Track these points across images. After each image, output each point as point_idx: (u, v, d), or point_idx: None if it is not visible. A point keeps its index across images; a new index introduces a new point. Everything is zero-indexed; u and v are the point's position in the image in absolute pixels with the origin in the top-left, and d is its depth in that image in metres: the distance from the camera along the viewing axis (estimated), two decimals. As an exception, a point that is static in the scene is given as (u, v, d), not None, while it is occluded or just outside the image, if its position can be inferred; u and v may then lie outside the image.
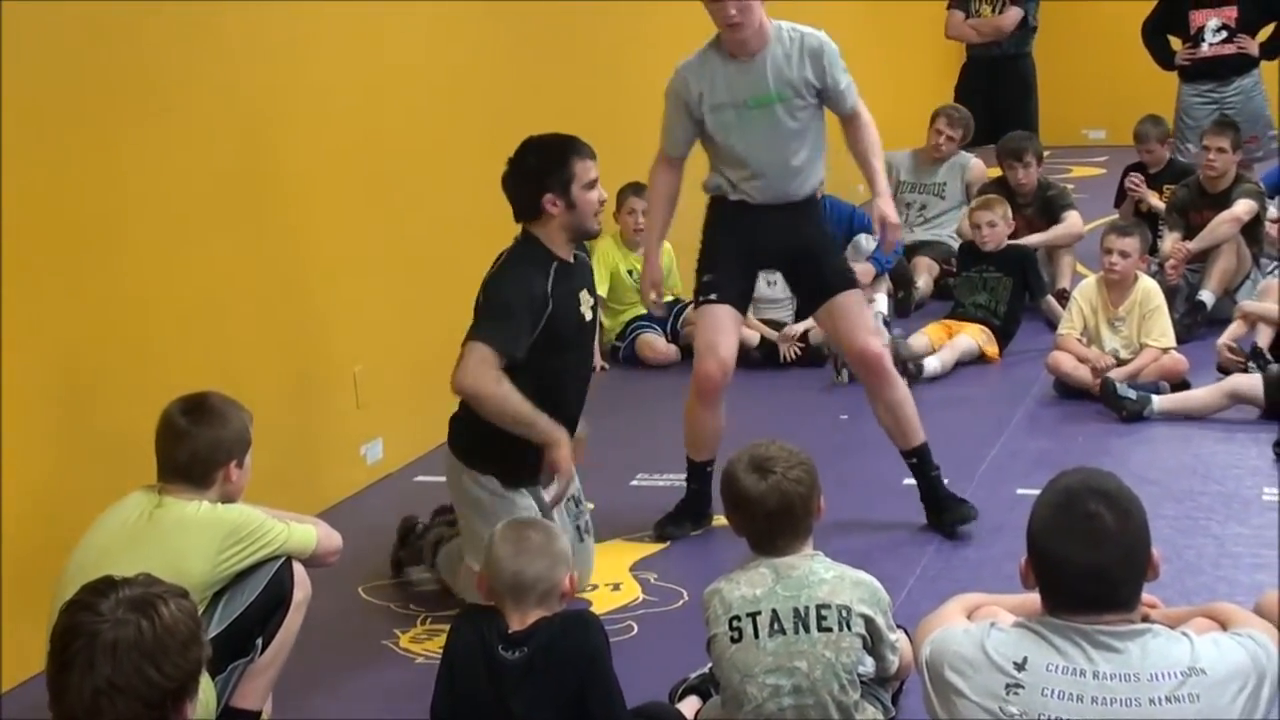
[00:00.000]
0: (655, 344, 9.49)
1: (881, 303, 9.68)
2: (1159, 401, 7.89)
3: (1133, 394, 7.91)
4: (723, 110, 6.44)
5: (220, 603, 4.64)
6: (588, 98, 9.08)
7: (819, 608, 4.41)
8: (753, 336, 9.29)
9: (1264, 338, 8.40)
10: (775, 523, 4.47)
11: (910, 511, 6.82)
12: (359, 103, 7.39)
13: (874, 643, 4.50)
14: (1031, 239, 10.00)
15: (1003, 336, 9.33)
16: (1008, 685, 3.43)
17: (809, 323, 9.33)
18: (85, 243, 5.79)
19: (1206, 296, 9.49)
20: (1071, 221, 10.30)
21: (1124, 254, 8.40)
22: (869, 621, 4.46)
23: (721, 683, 4.55)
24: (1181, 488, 6.96)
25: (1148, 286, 8.48)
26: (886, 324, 9.45)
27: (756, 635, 4.40)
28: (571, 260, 5.96)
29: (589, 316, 6.05)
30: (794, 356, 9.29)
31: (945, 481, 6.66)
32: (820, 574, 4.47)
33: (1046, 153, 11.22)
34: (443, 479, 7.45)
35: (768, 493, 4.44)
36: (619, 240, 9.73)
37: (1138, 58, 11.94)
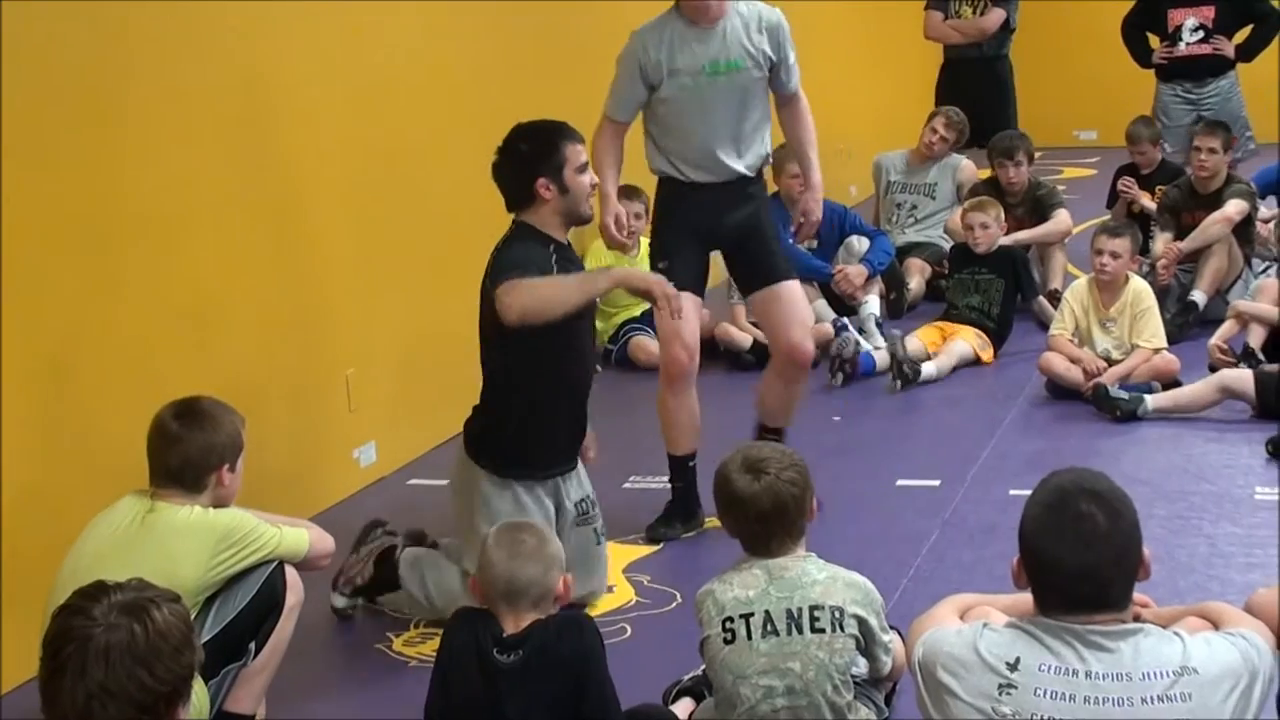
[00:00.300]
0: (647, 346, 9.48)
1: (874, 304, 9.68)
2: (1152, 400, 7.90)
3: (1125, 395, 7.92)
4: (680, 76, 6.50)
5: (213, 607, 4.64)
6: (585, 98, 9.07)
7: (812, 609, 4.41)
8: (745, 339, 9.30)
9: (1255, 338, 8.41)
10: (768, 524, 4.47)
11: (903, 512, 6.83)
12: (353, 108, 7.39)
13: (867, 644, 4.51)
14: (1018, 236, 10.00)
15: (996, 338, 9.34)
16: (1000, 685, 3.44)
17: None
18: (79, 246, 5.79)
19: (1198, 297, 9.50)
20: (1059, 219, 10.30)
21: (1115, 255, 8.40)
22: (862, 622, 4.46)
23: (715, 684, 4.55)
24: (1173, 487, 6.97)
25: (1139, 287, 8.49)
26: (879, 325, 9.46)
27: (750, 636, 4.41)
28: (567, 244, 5.95)
29: (591, 329, 6.08)
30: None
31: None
32: (813, 575, 4.47)
33: (1038, 154, 11.22)
34: (436, 481, 7.49)
35: (761, 494, 4.45)
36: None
37: (1128, 58, 11.96)
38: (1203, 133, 10.08)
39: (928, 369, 8.86)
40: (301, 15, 7.02)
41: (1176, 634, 3.51)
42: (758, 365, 9.16)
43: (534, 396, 5.82)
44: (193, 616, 3.28)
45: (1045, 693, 3.40)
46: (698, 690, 4.85)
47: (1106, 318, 8.47)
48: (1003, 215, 9.63)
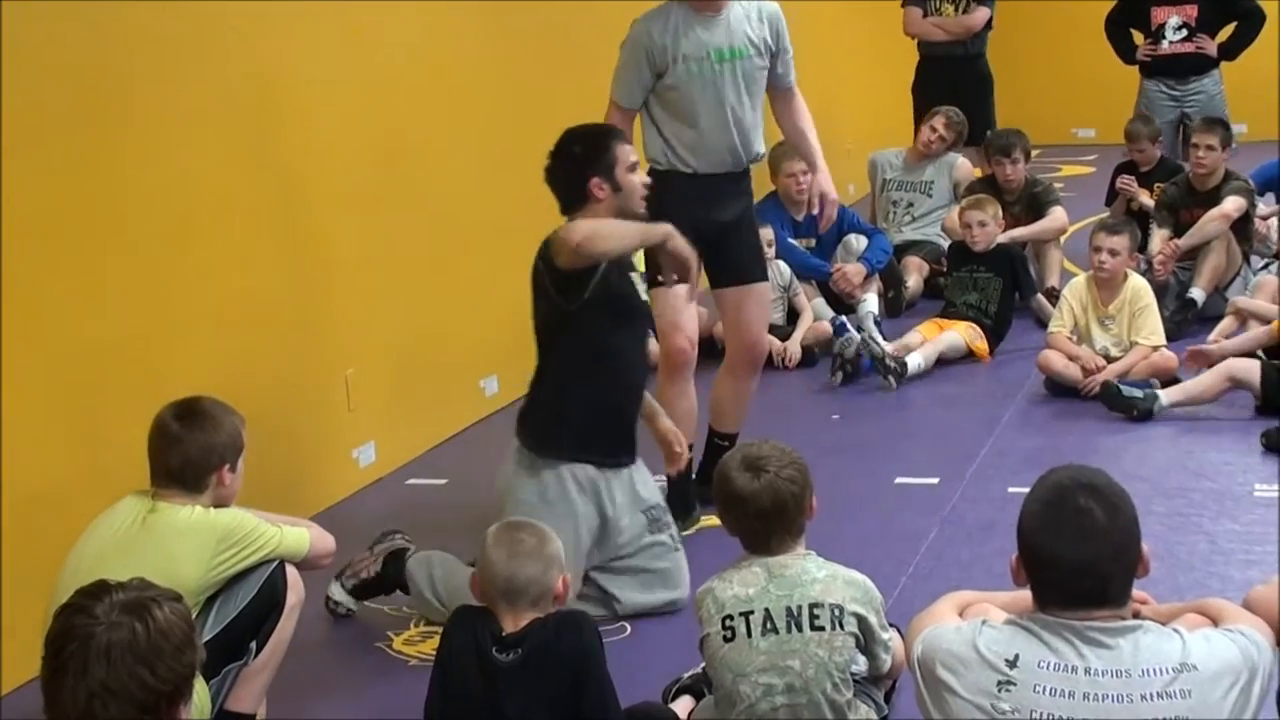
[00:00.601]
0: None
1: (872, 302, 9.68)
2: (1165, 396, 7.87)
3: (1139, 392, 7.89)
4: (687, 62, 6.54)
5: (214, 606, 4.65)
6: (589, 98, 9.07)
7: (812, 607, 4.42)
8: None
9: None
10: (768, 522, 4.48)
11: (902, 511, 6.84)
12: (354, 110, 7.39)
13: (867, 641, 4.51)
14: (1015, 233, 10.00)
15: (994, 336, 9.34)
16: (999, 682, 3.45)
17: (802, 332, 9.35)
18: (80, 247, 5.79)
19: (1197, 294, 9.50)
20: (1055, 216, 10.32)
21: (1113, 252, 8.40)
22: (862, 620, 4.47)
23: (715, 682, 4.56)
24: (1172, 484, 6.97)
25: (1137, 285, 8.50)
26: (877, 323, 9.46)
27: (749, 634, 4.41)
28: None
29: (643, 296, 6.06)
30: (791, 364, 9.27)
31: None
32: (813, 573, 4.48)
33: (1036, 151, 11.23)
34: (435, 481, 7.51)
35: (760, 492, 4.45)
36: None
37: (1128, 56, 11.97)
38: (1200, 130, 10.09)
39: (914, 360, 8.86)
40: (303, 15, 7.02)
41: (1176, 631, 3.51)
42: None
43: (589, 387, 5.83)
44: (194, 616, 3.27)
45: (1044, 689, 3.40)
46: (697, 688, 4.86)
47: (1105, 315, 8.47)
48: (1000, 213, 9.64)
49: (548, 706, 4.24)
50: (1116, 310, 8.45)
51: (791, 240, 9.88)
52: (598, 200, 5.87)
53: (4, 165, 5.42)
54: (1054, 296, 9.32)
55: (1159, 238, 9.94)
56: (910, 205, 11.12)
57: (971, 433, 7.87)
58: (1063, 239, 10.61)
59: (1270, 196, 10.95)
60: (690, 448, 6.66)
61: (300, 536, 4.86)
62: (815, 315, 9.56)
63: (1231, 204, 9.67)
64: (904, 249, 10.75)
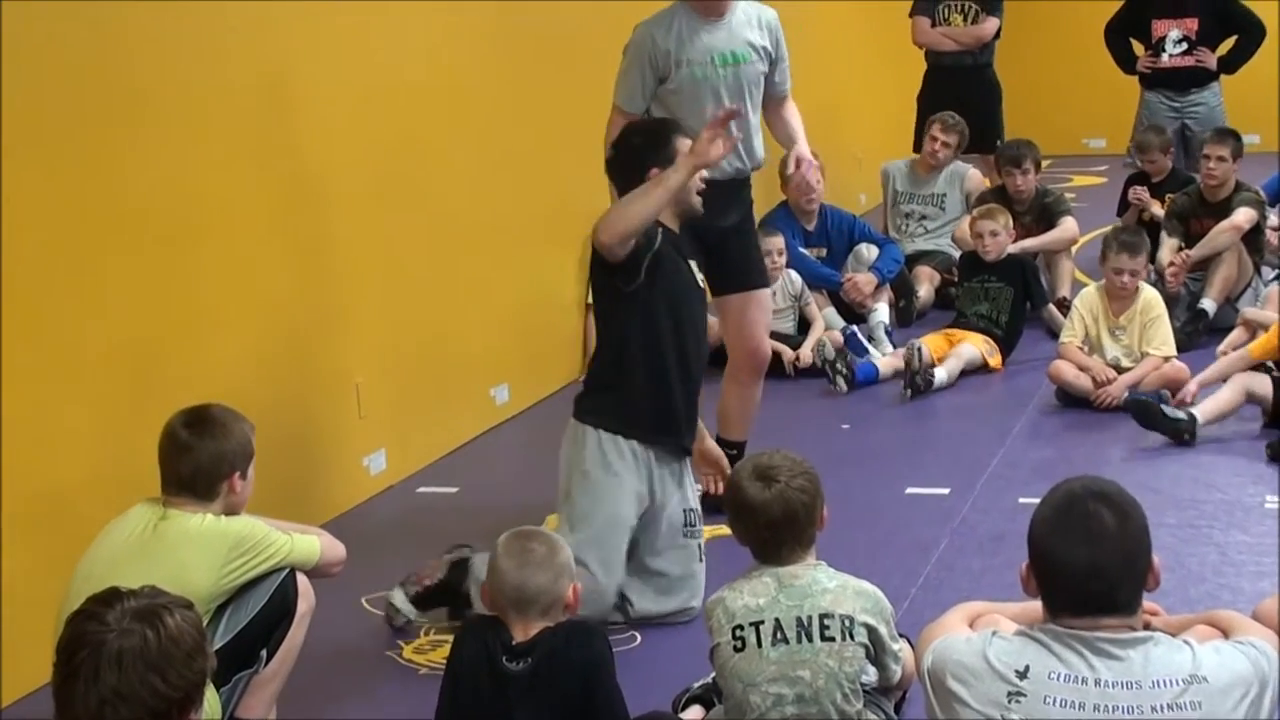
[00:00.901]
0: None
1: (883, 312, 9.69)
2: (1201, 416, 7.77)
3: (1182, 415, 7.74)
4: (690, 66, 6.59)
5: (225, 614, 4.64)
6: (597, 101, 9.08)
7: (822, 617, 4.42)
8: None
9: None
10: (778, 532, 4.48)
11: (913, 521, 6.83)
12: (363, 117, 7.40)
13: (877, 652, 4.51)
14: (1025, 244, 10.01)
15: (1005, 346, 9.33)
16: (1010, 693, 3.44)
17: (811, 341, 9.34)
18: (87, 254, 5.79)
19: (1208, 305, 9.50)
20: (1066, 226, 10.33)
21: (1134, 273, 8.42)
22: (872, 631, 4.47)
23: (725, 692, 4.56)
24: (1183, 496, 6.97)
25: (1149, 296, 8.49)
26: (888, 333, 9.46)
27: (759, 644, 4.41)
28: (677, 232, 6.01)
29: (699, 284, 6.07)
30: (798, 371, 9.26)
31: None
32: (823, 583, 4.48)
33: (1047, 162, 11.23)
34: (445, 489, 7.52)
35: (771, 501, 4.46)
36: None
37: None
38: (1212, 141, 10.09)
39: (939, 374, 8.86)
40: (310, 18, 7.02)
41: (1186, 642, 3.51)
42: (767, 373, 9.17)
43: (643, 366, 5.85)
44: (204, 624, 3.27)
45: (1055, 700, 3.40)
46: (707, 698, 4.86)
47: (1116, 325, 8.47)
48: (1011, 223, 9.63)
49: (558, 715, 4.24)
50: (1128, 321, 8.44)
51: (803, 250, 9.88)
52: None
53: (8, 166, 5.40)
54: (1065, 307, 9.32)
55: (1169, 248, 9.94)
56: (924, 218, 11.13)
57: (983, 443, 7.87)
58: (1074, 249, 10.62)
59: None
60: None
61: (311, 544, 4.86)
62: (826, 325, 9.56)
63: (1243, 215, 9.67)
64: (915, 259, 10.76)
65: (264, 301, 6.78)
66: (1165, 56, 11.47)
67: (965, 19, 11.58)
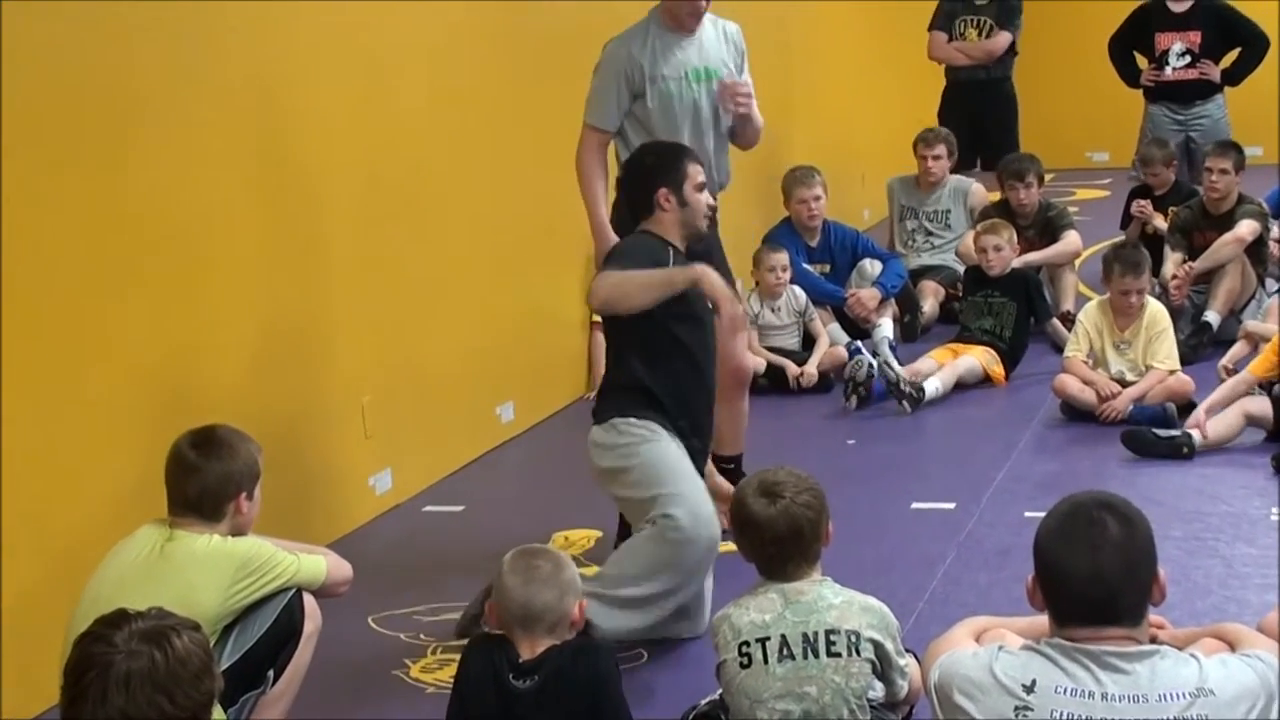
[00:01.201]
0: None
1: (887, 327, 9.68)
2: (1199, 439, 7.75)
3: (1176, 431, 7.76)
4: (666, 82, 6.62)
5: (232, 635, 4.65)
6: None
7: (828, 633, 4.42)
8: (759, 364, 9.29)
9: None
10: (784, 547, 4.49)
11: (918, 536, 6.83)
12: (368, 136, 7.41)
13: (883, 668, 4.51)
14: (1029, 257, 10.03)
15: (1009, 360, 9.33)
16: (1016, 708, 3.45)
17: (818, 357, 9.35)
18: (92, 272, 5.79)
19: (1212, 317, 9.50)
20: (1069, 240, 10.34)
21: (1140, 291, 8.42)
22: (878, 646, 4.47)
23: (731, 708, 4.56)
24: (1189, 508, 6.96)
25: (1154, 310, 8.49)
26: (893, 348, 9.46)
27: (766, 661, 4.42)
28: (684, 252, 6.00)
29: (709, 306, 6.02)
30: (804, 386, 9.26)
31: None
32: (829, 599, 4.48)
33: (1050, 175, 11.24)
34: (451, 508, 7.52)
35: (776, 517, 4.46)
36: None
37: (1139, 80, 11.99)
38: (1214, 154, 10.09)
39: (931, 385, 8.86)
40: (314, 37, 7.02)
41: (1193, 655, 3.51)
42: (772, 388, 9.20)
43: (666, 372, 5.84)
44: (211, 644, 3.28)
45: (1062, 715, 3.40)
46: (714, 714, 4.84)
47: (1121, 340, 8.47)
48: (1015, 237, 9.64)
49: (565, 733, 4.25)
50: (1132, 335, 8.44)
51: (806, 265, 9.89)
52: (664, 211, 5.97)
53: (8, 177, 5.38)
54: (1069, 321, 9.32)
55: (1173, 262, 9.94)
56: (929, 234, 11.14)
57: (988, 457, 7.87)
58: (1077, 263, 10.62)
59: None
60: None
61: (317, 564, 4.87)
62: (831, 340, 9.56)
63: (1246, 227, 9.67)
64: (920, 274, 10.77)
65: (269, 321, 6.79)
66: (1169, 70, 11.49)
67: (980, 34, 11.62)
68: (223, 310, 6.50)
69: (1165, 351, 8.37)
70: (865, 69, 14.64)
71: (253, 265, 6.69)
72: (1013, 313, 9.37)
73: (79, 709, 2.97)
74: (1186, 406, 8.14)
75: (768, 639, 4.43)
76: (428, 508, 7.64)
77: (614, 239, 6.54)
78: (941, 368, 9.06)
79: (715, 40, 6.76)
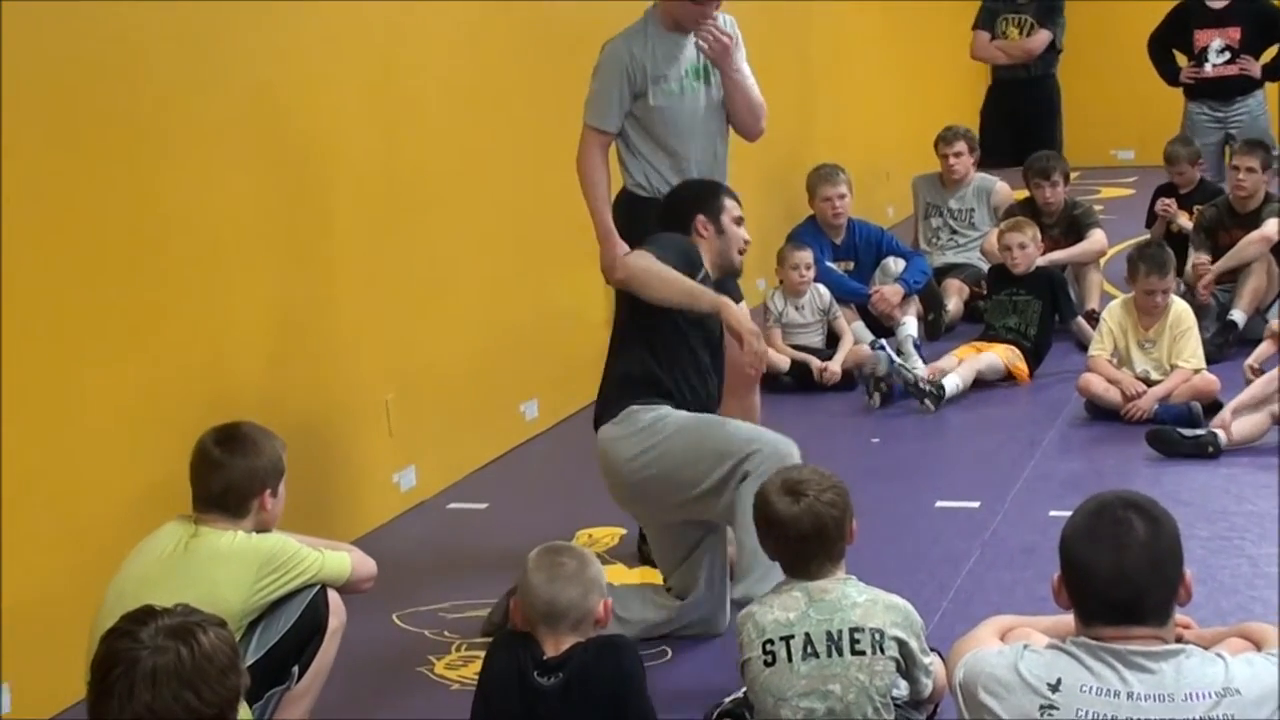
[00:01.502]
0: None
1: (911, 325, 9.67)
2: (1224, 440, 7.72)
3: (1201, 430, 7.75)
4: (667, 81, 6.56)
5: (256, 631, 4.65)
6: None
7: (852, 631, 4.42)
8: (783, 361, 9.29)
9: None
10: (808, 546, 4.49)
11: (943, 534, 6.83)
12: (390, 132, 7.42)
13: (907, 666, 4.51)
14: (1054, 256, 10.02)
15: (1033, 359, 9.32)
16: (1042, 706, 3.44)
17: (842, 355, 9.34)
18: (112, 270, 5.80)
19: (1238, 316, 9.48)
20: (1095, 239, 10.32)
21: (1165, 291, 8.41)
22: (902, 645, 4.47)
23: (755, 706, 4.56)
24: (1214, 508, 6.95)
25: (1179, 309, 8.46)
26: (917, 346, 9.45)
27: (790, 659, 4.42)
28: (713, 282, 5.96)
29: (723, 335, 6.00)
30: (827, 383, 9.25)
31: None
32: (853, 597, 4.48)
33: (1075, 174, 11.22)
34: (476, 505, 7.52)
35: (800, 515, 4.46)
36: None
37: (1168, 78, 11.96)
38: (1241, 152, 10.06)
39: (951, 381, 8.85)
40: (330, 24, 7.01)
41: (1219, 655, 3.50)
42: (796, 387, 9.19)
43: (680, 368, 5.83)
44: (236, 641, 3.28)
45: (1087, 714, 3.40)
46: (739, 712, 4.85)
47: (1145, 339, 8.45)
48: (1039, 235, 9.63)
49: (589, 731, 4.25)
50: (1157, 334, 8.42)
51: (830, 264, 9.88)
52: (700, 237, 5.97)
53: (19, 180, 5.39)
54: (1094, 319, 9.30)
55: (1197, 261, 9.92)
56: (954, 232, 11.13)
57: (1012, 456, 7.86)
58: (1103, 261, 10.60)
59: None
60: None
61: (342, 561, 4.87)
62: (855, 339, 9.55)
63: (1272, 226, 9.63)
64: (944, 272, 10.75)
65: (293, 320, 6.80)
66: (1208, 67, 11.45)
67: (1021, 32, 11.62)
68: (247, 309, 6.52)
69: (1190, 350, 8.35)
70: (889, 66, 14.62)
71: (276, 265, 6.70)
72: (1037, 311, 9.35)
73: (106, 705, 2.98)
74: (1212, 405, 8.13)
75: (792, 637, 4.43)
76: (452, 505, 7.64)
77: (621, 245, 6.53)
78: (961, 364, 9.05)
79: None
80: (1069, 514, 3.61)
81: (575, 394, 8.89)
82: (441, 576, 6.65)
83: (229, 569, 4.59)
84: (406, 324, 7.54)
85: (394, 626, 6.20)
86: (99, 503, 5.69)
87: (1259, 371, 8.21)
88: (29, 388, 5.42)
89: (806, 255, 9.50)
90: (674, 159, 6.58)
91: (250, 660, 4.50)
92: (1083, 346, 9.12)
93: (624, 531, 6.89)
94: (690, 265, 5.79)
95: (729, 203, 6.05)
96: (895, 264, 9.98)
